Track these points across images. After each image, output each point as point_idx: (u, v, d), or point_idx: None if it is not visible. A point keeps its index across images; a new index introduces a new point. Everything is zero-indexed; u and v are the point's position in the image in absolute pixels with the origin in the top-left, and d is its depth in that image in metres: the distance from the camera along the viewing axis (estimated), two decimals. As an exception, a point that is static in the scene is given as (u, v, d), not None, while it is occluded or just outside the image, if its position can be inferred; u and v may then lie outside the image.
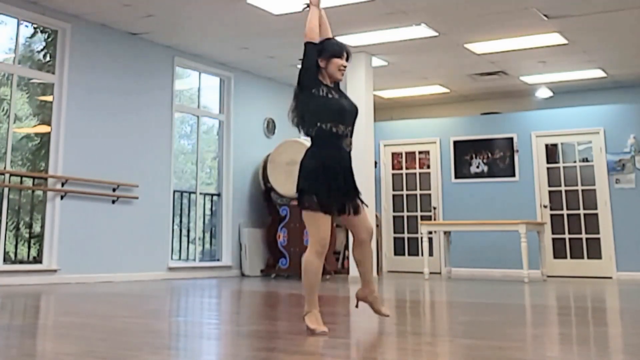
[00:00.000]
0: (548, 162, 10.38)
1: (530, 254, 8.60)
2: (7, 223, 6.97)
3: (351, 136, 3.63)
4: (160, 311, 5.06)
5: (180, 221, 9.01)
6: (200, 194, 9.24)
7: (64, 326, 3.94)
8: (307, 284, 3.51)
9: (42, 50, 7.89)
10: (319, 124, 3.55)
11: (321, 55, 3.67)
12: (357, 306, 3.93)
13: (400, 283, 8.34)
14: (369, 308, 3.89)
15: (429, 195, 11.04)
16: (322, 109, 3.57)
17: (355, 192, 3.65)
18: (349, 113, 3.62)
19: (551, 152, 10.41)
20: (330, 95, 3.59)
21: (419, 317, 4.82)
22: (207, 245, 9.50)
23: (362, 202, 3.69)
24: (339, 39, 8.12)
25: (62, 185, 7.29)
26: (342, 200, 3.58)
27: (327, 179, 3.51)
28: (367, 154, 8.67)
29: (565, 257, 10.06)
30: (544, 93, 10.35)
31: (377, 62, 9.02)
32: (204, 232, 9.48)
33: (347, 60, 3.70)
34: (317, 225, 3.52)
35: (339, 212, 3.60)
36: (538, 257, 8.99)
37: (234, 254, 9.34)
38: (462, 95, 11.06)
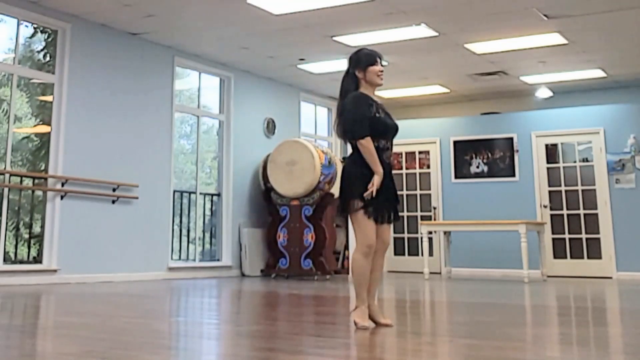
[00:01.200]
0: (548, 162, 10.38)
1: (530, 254, 8.60)
2: (7, 223, 6.96)
3: (391, 150, 3.85)
4: (160, 311, 5.06)
5: (180, 221, 9.01)
6: (200, 194, 9.24)
7: (64, 326, 3.94)
8: (355, 282, 3.73)
9: (42, 50, 7.89)
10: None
11: (357, 67, 3.85)
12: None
13: (400, 283, 8.35)
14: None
15: (429, 195, 11.04)
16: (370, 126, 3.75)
17: (395, 201, 3.90)
18: (391, 130, 3.84)
19: (551, 152, 10.41)
20: (377, 115, 3.77)
21: (419, 317, 4.82)
22: (207, 245, 9.50)
23: (397, 213, 3.89)
24: (339, 39, 8.20)
25: (62, 185, 7.29)
26: (383, 206, 3.77)
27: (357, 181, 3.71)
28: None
29: (565, 257, 10.06)
30: (544, 93, 10.35)
31: (377, 62, 9.01)
32: (204, 232, 9.48)
33: (381, 64, 3.91)
34: (364, 227, 3.70)
35: (378, 217, 3.75)
36: (538, 257, 8.99)
37: (234, 254, 9.34)
38: (462, 95, 11.06)
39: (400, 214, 4.10)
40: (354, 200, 3.70)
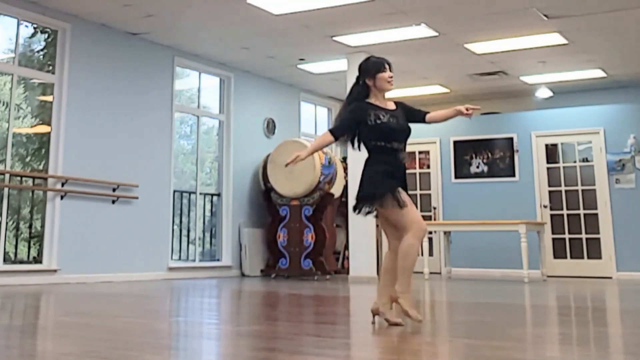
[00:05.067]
0: (548, 162, 10.38)
1: (530, 254, 8.60)
2: (7, 223, 6.97)
3: (404, 151, 3.93)
4: (161, 311, 5.06)
5: (180, 221, 9.01)
6: (200, 194, 9.24)
7: (64, 326, 3.94)
8: (410, 267, 3.71)
9: (42, 50, 7.89)
10: (373, 142, 3.88)
11: (367, 75, 3.96)
12: (390, 308, 3.86)
13: (400, 283, 8.33)
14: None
15: (429, 195, 11.04)
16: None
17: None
18: (399, 132, 3.89)
19: (551, 152, 10.41)
20: (378, 121, 3.86)
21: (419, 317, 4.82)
22: (207, 245, 9.50)
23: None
24: (339, 39, 8.20)
25: (62, 185, 7.29)
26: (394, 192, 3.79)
27: (388, 178, 3.79)
28: (367, 154, 8.65)
29: (565, 257, 10.06)
30: (544, 93, 10.35)
31: (377, 62, 9.00)
32: (204, 232, 9.48)
33: (390, 70, 3.98)
34: (407, 213, 3.72)
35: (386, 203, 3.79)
36: (538, 257, 8.99)
37: (234, 254, 9.34)
38: (462, 95, 11.05)
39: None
40: (387, 194, 3.74)
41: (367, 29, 7.87)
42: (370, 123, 3.84)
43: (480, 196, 10.55)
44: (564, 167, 10.30)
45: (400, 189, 3.77)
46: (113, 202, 7.77)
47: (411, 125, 3.98)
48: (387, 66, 3.95)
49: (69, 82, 7.46)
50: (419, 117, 4.03)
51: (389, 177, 3.77)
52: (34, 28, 7.69)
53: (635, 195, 9.72)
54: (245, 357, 2.95)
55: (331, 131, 3.90)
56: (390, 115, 3.90)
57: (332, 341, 3.30)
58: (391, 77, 3.96)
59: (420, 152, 11.18)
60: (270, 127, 10.16)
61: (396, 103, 4.03)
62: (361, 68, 3.99)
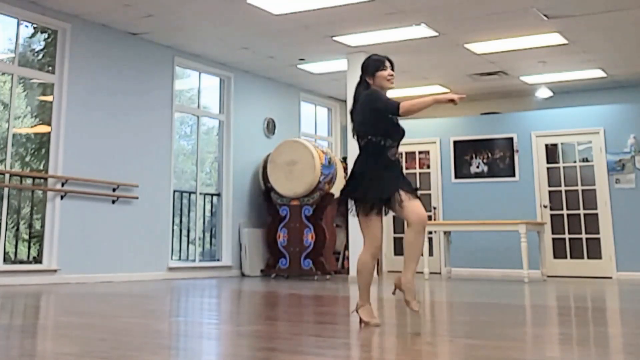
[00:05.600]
0: (548, 162, 10.38)
1: (530, 254, 8.60)
2: (7, 223, 6.97)
3: (396, 148, 3.90)
4: (161, 311, 5.06)
5: (180, 221, 9.01)
6: (200, 194, 9.24)
7: (64, 326, 3.94)
8: (362, 282, 3.81)
9: (42, 50, 7.89)
10: (369, 137, 3.84)
11: (367, 73, 3.95)
12: (393, 293, 3.89)
13: (400, 283, 8.33)
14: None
15: (429, 195, 11.04)
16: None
17: (406, 184, 3.84)
18: (396, 128, 3.89)
19: (551, 152, 10.41)
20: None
21: (419, 317, 4.82)
22: (207, 246, 9.50)
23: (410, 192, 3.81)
24: (339, 39, 8.20)
25: (62, 185, 7.29)
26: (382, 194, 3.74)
27: (365, 181, 3.76)
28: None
29: (565, 257, 10.06)
30: (544, 93, 10.35)
31: (377, 62, 9.01)
32: (204, 232, 9.48)
33: (392, 68, 3.95)
34: (368, 227, 3.77)
35: (382, 207, 3.77)
36: (538, 257, 8.99)
37: (234, 254, 9.34)
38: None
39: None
40: (356, 203, 3.79)
41: (367, 29, 7.87)
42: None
43: (480, 196, 10.55)
44: (564, 167, 10.30)
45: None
46: (113, 202, 7.77)
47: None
48: (387, 64, 3.94)
49: (69, 82, 7.46)
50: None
51: (363, 180, 3.80)
52: (34, 28, 7.69)
53: (635, 195, 9.72)
54: (245, 357, 2.95)
55: (398, 104, 3.76)
56: None
57: (332, 341, 3.31)
58: (391, 75, 3.94)
59: (420, 152, 11.18)
60: (270, 127, 10.16)
61: None
62: (362, 66, 4.00)
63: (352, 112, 4.00)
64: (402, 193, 3.74)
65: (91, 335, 3.45)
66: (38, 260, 7.26)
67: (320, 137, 11.46)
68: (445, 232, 9.63)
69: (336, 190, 9.26)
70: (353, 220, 8.57)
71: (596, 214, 9.96)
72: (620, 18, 7.38)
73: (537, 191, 10.30)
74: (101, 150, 7.71)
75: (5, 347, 3.12)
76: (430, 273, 9.21)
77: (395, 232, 11.12)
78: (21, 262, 7.30)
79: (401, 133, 3.92)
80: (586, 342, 3.51)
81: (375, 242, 3.78)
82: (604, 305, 5.91)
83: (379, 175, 3.77)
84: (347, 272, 8.97)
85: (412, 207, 3.74)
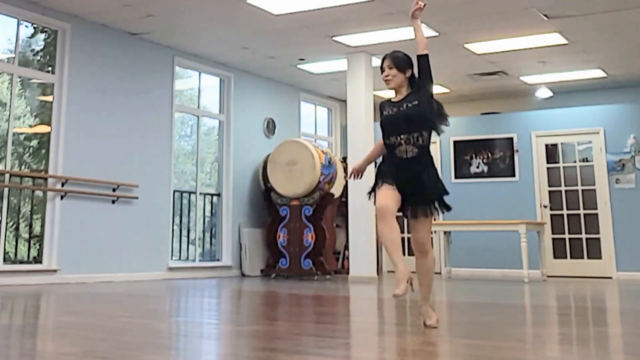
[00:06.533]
0: (548, 162, 10.38)
1: (530, 254, 8.60)
2: (7, 223, 6.97)
3: (405, 144, 3.79)
4: (161, 311, 5.06)
5: (180, 221, 9.01)
6: (200, 194, 9.24)
7: (64, 326, 3.94)
8: (385, 248, 3.76)
9: (42, 50, 7.89)
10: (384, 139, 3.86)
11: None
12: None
13: (400, 283, 8.32)
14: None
15: (429, 195, 11.02)
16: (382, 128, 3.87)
17: (422, 198, 3.92)
18: (395, 124, 3.77)
19: (551, 152, 10.41)
20: (385, 113, 3.83)
21: (419, 317, 4.82)
22: (207, 246, 9.50)
23: (431, 210, 3.95)
24: (339, 39, 8.20)
25: (62, 185, 7.29)
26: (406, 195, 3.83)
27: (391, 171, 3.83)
28: (367, 153, 8.65)
29: (565, 257, 10.06)
30: (544, 93, 10.35)
31: (377, 62, 8.99)
32: (204, 232, 9.48)
33: (391, 68, 3.91)
34: (377, 196, 3.76)
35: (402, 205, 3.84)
36: (538, 257, 8.99)
37: (234, 254, 9.34)
38: (462, 95, 11.05)
39: (400, 213, 4.05)
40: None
41: (367, 29, 7.87)
42: (381, 120, 3.85)
43: (480, 196, 10.55)
44: (564, 167, 10.30)
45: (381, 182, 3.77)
46: (113, 202, 7.77)
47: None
48: (383, 65, 3.93)
49: (69, 82, 7.46)
50: (420, 65, 3.98)
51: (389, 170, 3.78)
52: (34, 28, 7.69)
53: (635, 195, 9.72)
54: (245, 357, 2.95)
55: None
56: (404, 104, 3.80)
57: (332, 341, 3.30)
58: (387, 75, 3.86)
59: (420, 152, 11.17)
60: (270, 127, 10.16)
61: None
62: None
63: None
64: (409, 209, 3.83)
65: (91, 335, 3.45)
66: (38, 260, 7.26)
67: (320, 137, 11.45)
68: (445, 232, 9.63)
69: (336, 190, 9.26)
70: (353, 220, 8.62)
71: (596, 214, 9.96)
72: (620, 18, 7.38)
73: (537, 191, 10.30)
74: (101, 150, 7.71)
75: (5, 347, 3.12)
76: (430, 273, 9.19)
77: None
78: (21, 262, 7.30)
79: (400, 126, 3.72)
80: (586, 342, 3.51)
81: (378, 209, 3.71)
82: (604, 305, 5.90)
83: (390, 174, 3.76)
84: (347, 272, 8.96)
85: (414, 229, 3.76)
